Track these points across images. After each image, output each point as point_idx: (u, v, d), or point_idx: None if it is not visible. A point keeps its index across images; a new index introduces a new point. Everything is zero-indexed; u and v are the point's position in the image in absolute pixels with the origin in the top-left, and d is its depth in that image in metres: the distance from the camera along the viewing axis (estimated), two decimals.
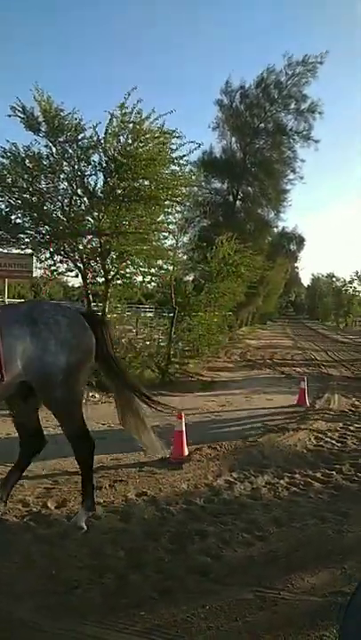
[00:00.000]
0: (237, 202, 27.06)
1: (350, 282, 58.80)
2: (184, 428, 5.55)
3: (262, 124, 26.39)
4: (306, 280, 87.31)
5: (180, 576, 3.09)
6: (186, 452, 5.51)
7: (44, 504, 4.07)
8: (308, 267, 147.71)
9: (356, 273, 57.36)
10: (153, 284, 12.42)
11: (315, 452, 5.91)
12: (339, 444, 6.28)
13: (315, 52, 32.32)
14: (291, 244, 33.81)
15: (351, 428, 7.15)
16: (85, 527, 3.62)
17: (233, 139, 27.23)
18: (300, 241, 34.33)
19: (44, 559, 3.23)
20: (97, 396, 8.61)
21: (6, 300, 10.69)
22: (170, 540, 3.56)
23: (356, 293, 57.94)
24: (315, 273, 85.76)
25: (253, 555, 3.41)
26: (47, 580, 2.98)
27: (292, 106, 25.83)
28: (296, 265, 49.32)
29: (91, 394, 8.62)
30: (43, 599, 2.80)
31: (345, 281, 59.85)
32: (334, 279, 64.35)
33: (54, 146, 9.38)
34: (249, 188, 27.18)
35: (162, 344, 11.57)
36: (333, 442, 6.40)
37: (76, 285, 17.24)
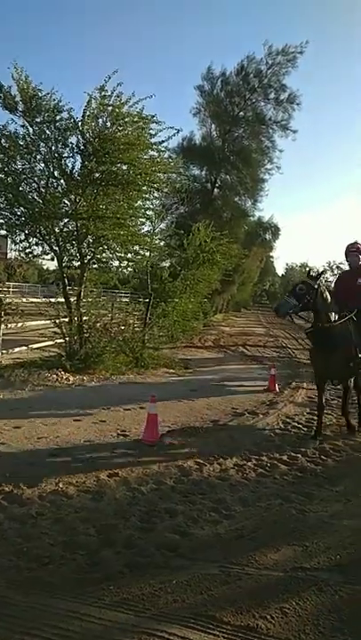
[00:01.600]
0: (215, 190, 27.07)
1: (323, 272, 59.80)
2: (156, 411, 5.65)
3: (242, 113, 26.34)
4: (280, 269, 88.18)
5: (150, 552, 3.20)
6: (158, 435, 5.62)
7: (16, 484, 4.12)
8: (283, 256, 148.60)
9: (329, 263, 58.36)
10: (129, 269, 12.42)
11: (282, 436, 6.11)
12: (305, 429, 6.49)
13: (295, 41, 32.27)
14: (266, 233, 33.98)
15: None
16: None
17: (213, 126, 27.17)
18: (276, 231, 34.53)
19: (16, 537, 3.29)
20: (71, 379, 8.64)
21: None
22: (140, 518, 3.67)
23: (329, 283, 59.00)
24: (289, 262, 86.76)
25: (220, 532, 3.54)
26: (18, 557, 3.05)
27: (272, 95, 25.83)
28: (271, 254, 49.60)
29: (65, 377, 8.65)
30: (14, 575, 2.87)
31: (318, 271, 60.84)
32: (308, 269, 65.40)
33: (31, 126, 9.27)
34: (227, 177, 27.20)
35: (137, 329, 11.61)
36: (300, 426, 6.62)
37: (52, 268, 17.10)
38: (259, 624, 2.56)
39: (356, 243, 6.59)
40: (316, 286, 5.65)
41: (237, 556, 3.21)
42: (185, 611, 2.64)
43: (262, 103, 26.27)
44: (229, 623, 2.56)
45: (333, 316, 5.88)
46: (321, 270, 6.82)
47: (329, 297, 5.88)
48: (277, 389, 9.11)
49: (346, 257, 6.71)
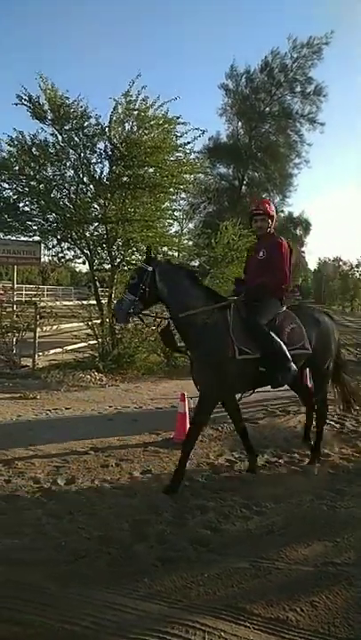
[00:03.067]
0: (243, 187, 27.06)
1: (357, 266, 58.65)
2: (187, 410, 5.74)
3: (268, 108, 26.27)
4: (313, 264, 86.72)
5: (182, 547, 3.29)
6: None
7: (54, 481, 4.30)
8: (315, 251, 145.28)
9: None
10: None
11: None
12: (337, 426, 6.45)
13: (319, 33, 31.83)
14: (297, 228, 33.64)
15: (351, 410, 7.29)
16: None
17: (239, 123, 27.21)
18: (307, 226, 34.12)
19: (54, 532, 3.44)
20: (104, 379, 8.83)
21: (15, 285, 10.90)
22: (172, 514, 3.77)
23: None
24: (321, 257, 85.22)
25: (251, 528, 3.60)
26: (56, 551, 3.19)
27: (298, 89, 25.61)
28: (302, 249, 49.05)
29: (98, 377, 8.85)
30: (52, 568, 3.01)
31: (352, 265, 59.79)
32: (341, 263, 64.28)
33: (60, 134, 9.53)
34: (255, 173, 27.22)
35: None
36: (333, 423, 6.56)
37: (84, 271, 17.47)
38: (289, 616, 2.61)
39: (263, 201, 5.07)
40: (149, 269, 4.16)
41: (268, 551, 3.25)
42: (216, 603, 2.71)
43: (288, 97, 26.23)
44: (260, 615, 2.62)
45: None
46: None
47: (183, 278, 4.29)
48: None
49: (251, 223, 4.97)
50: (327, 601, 2.76)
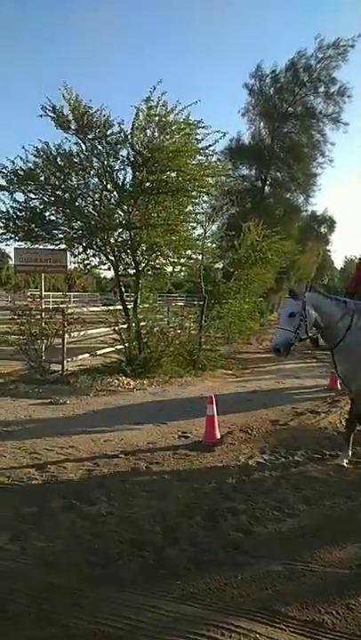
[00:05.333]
0: (266, 187, 26.82)
1: None
2: (215, 412, 5.74)
3: (291, 108, 25.94)
4: (339, 263, 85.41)
5: (214, 550, 3.30)
6: (218, 436, 5.70)
7: (86, 485, 4.35)
8: (341, 249, 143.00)
9: None
10: (183, 273, 12.61)
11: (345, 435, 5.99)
12: None
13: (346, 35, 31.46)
14: (322, 227, 33.15)
15: None
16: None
17: (261, 123, 26.93)
18: (331, 223, 33.60)
19: (88, 535, 3.49)
20: (132, 383, 8.90)
21: (43, 292, 11.08)
22: (203, 516, 3.77)
23: None
24: (348, 255, 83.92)
25: (283, 531, 3.58)
26: (90, 554, 3.24)
27: (322, 89, 25.31)
28: (328, 248, 48.26)
29: (126, 382, 8.92)
30: (87, 570, 3.06)
31: None
32: None
33: (84, 143, 9.67)
34: (278, 174, 26.90)
35: (193, 332, 11.74)
36: None
37: (109, 276, 17.66)
38: (324, 619, 2.59)
39: None
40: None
41: (301, 554, 3.24)
42: (250, 605, 2.71)
43: (312, 97, 25.84)
44: (295, 618, 2.60)
45: None
46: None
47: None
48: (339, 387, 8.90)
49: None
50: None
